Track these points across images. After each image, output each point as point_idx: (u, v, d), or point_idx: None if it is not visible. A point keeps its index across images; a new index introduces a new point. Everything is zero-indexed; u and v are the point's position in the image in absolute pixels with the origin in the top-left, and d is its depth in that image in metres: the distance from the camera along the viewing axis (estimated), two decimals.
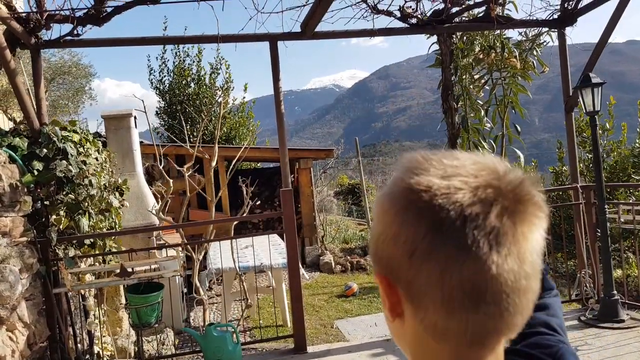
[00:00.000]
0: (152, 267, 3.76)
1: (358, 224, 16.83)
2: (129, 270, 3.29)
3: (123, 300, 4.28)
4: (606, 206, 4.29)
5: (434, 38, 4.70)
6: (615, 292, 4.21)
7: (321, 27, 4.04)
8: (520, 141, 4.93)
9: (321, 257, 9.91)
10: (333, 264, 9.69)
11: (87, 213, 3.58)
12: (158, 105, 13.67)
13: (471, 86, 4.66)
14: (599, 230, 4.35)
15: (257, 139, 15.35)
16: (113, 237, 4.16)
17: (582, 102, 4.26)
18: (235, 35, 3.74)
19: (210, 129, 12.00)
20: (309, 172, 10.45)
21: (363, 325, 6.28)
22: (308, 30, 3.88)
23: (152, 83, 13.55)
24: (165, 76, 13.51)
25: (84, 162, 3.63)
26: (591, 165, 9.32)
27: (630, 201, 8.56)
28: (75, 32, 3.42)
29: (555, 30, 4.61)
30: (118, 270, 3.29)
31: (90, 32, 3.69)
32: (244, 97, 14.66)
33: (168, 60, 13.55)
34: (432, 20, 4.25)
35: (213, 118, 11.56)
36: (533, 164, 10.83)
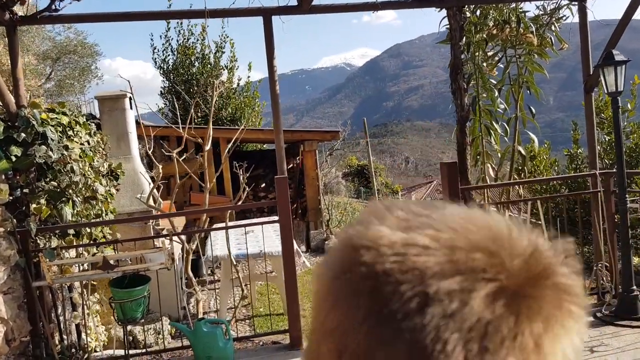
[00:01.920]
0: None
1: (366, 206, 16.61)
2: (113, 262, 3.10)
3: None
4: (627, 195, 3.99)
5: (445, 12, 4.35)
6: (634, 287, 3.95)
7: (319, 0, 3.73)
8: (534, 124, 4.61)
9: (326, 242, 9.73)
10: None
11: (70, 201, 3.39)
12: (162, 85, 13.44)
13: (484, 64, 4.33)
14: (618, 219, 4.07)
15: (264, 119, 15.08)
16: (104, 225, 3.98)
17: (603, 82, 3.92)
18: (225, 10, 3.45)
19: (215, 109, 11.75)
20: (314, 154, 10.20)
21: None
22: (305, 4, 3.57)
23: (155, 62, 13.29)
24: (169, 55, 13.22)
25: (67, 147, 3.42)
26: (609, 148, 8.95)
27: None
28: (53, 7, 3.17)
29: (576, 3, 4.24)
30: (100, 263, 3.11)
31: (70, 7, 3.43)
32: (248, 77, 14.34)
33: (172, 38, 13.26)
34: None
35: (217, 98, 11.31)
36: (546, 145, 10.45)
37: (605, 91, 3.90)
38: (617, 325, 3.79)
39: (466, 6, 3.99)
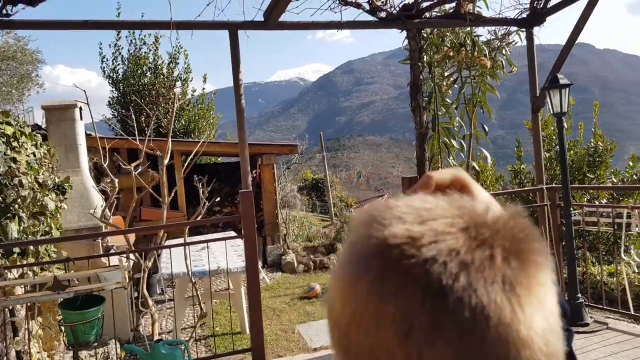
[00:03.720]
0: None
1: (322, 219, 16.66)
2: (64, 283, 2.91)
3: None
4: (571, 208, 4.25)
5: (405, 32, 4.50)
6: (579, 295, 4.19)
7: (285, 17, 3.75)
8: (487, 141, 4.84)
9: (283, 257, 9.64)
10: (295, 264, 9.44)
11: (16, 217, 3.16)
12: (111, 95, 12.94)
13: (444, 83, 4.50)
14: (563, 230, 4.32)
15: (218, 132, 14.84)
16: (51, 243, 3.74)
17: (549, 103, 4.20)
18: (191, 22, 3.39)
19: (166, 121, 11.44)
20: (271, 168, 10.13)
21: (326, 330, 6.07)
22: (271, 20, 3.58)
23: (104, 72, 12.79)
24: (119, 64, 12.78)
25: (14, 160, 3.20)
26: (548, 164, 9.56)
27: (587, 202, 8.79)
28: (4, 11, 2.98)
29: (524, 30, 4.52)
30: (51, 283, 2.90)
31: (24, 12, 3.26)
32: (203, 88, 14.12)
33: (122, 47, 12.84)
34: (402, 15, 4.04)
35: (170, 110, 11.00)
36: (491, 162, 10.97)
37: (551, 111, 4.17)
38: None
39: (425, 29, 4.15)
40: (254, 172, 10.88)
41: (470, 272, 0.37)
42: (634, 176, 8.17)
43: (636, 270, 5.24)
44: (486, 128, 4.81)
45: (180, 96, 11.85)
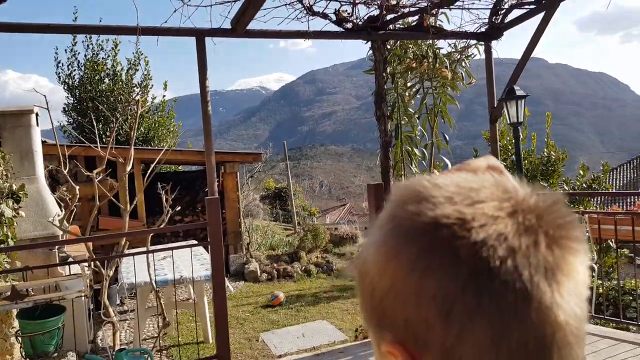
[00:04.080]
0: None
1: (284, 228, 16.62)
2: (22, 292, 2.79)
3: (16, 325, 3.68)
4: None
5: (370, 44, 4.63)
6: None
7: (253, 25, 3.79)
8: (448, 150, 5.03)
9: (246, 266, 9.54)
10: (259, 272, 9.37)
11: None
12: (66, 102, 12.47)
13: (406, 93, 4.66)
14: None
15: (179, 140, 14.58)
16: (3, 252, 3.57)
17: (506, 113, 4.43)
18: (157, 28, 3.35)
19: (126, 128, 11.14)
20: (235, 176, 10.05)
21: (290, 337, 6.07)
22: (239, 28, 3.60)
23: (59, 77, 12.32)
24: (75, 70, 12.35)
25: None
26: None
27: None
28: None
29: (483, 43, 4.75)
30: (8, 293, 2.78)
31: None
32: (164, 96, 13.86)
33: (79, 53, 12.42)
34: (367, 26, 4.16)
35: (129, 117, 10.72)
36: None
37: (508, 121, 4.40)
38: None
39: (389, 40, 4.29)
40: (216, 180, 10.74)
41: (517, 257, 0.38)
42: (584, 184, 8.67)
43: None
44: (447, 137, 5.00)
45: (144, 102, 11.60)
